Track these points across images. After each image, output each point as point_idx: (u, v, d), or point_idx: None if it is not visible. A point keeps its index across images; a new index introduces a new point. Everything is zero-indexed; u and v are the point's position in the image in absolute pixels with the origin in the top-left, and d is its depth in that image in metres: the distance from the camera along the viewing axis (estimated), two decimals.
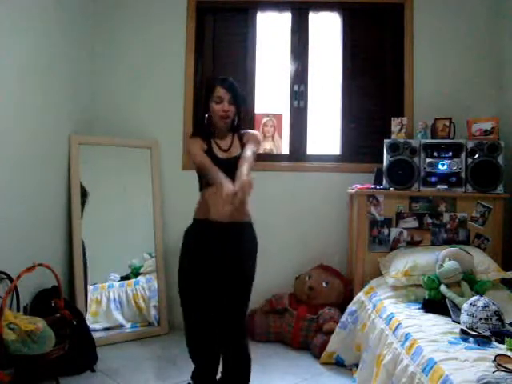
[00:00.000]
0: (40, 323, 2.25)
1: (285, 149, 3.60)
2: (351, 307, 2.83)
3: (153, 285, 3.42)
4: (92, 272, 3.22)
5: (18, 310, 2.45)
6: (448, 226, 2.98)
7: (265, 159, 3.53)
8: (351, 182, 3.27)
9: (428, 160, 3.00)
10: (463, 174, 2.97)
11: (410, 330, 2.07)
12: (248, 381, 2.23)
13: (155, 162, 3.50)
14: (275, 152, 3.61)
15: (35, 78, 2.77)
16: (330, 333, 2.89)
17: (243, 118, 2.30)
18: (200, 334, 2.20)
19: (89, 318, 3.10)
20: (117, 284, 3.34)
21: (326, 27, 3.64)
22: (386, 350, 2.16)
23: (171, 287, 3.48)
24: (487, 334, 1.94)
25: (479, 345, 1.86)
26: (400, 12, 3.49)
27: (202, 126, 2.23)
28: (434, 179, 3.00)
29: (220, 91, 2.15)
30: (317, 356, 2.93)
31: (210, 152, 2.16)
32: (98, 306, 3.24)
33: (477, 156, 2.95)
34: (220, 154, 2.18)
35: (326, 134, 3.62)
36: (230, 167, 2.06)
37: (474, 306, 2.08)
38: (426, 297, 2.44)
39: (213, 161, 2.11)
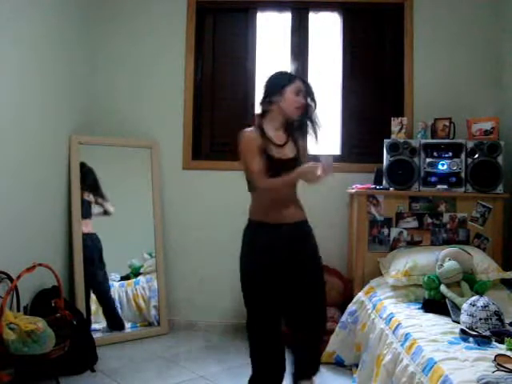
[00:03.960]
0: (40, 323, 2.25)
1: None
2: (351, 307, 2.83)
3: (153, 285, 3.42)
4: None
5: (19, 310, 2.45)
6: (448, 226, 2.98)
7: None
8: (351, 182, 3.27)
9: (428, 160, 3.00)
10: (463, 174, 2.96)
11: (410, 330, 2.07)
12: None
13: (155, 162, 3.50)
14: None
15: (35, 79, 2.77)
16: (329, 333, 2.88)
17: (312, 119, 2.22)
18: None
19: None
20: (117, 284, 3.35)
21: (326, 27, 3.64)
22: (385, 350, 2.16)
23: (171, 287, 3.49)
24: (487, 333, 1.94)
25: (479, 345, 1.86)
26: (400, 12, 3.49)
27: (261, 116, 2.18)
28: (433, 179, 3.00)
29: (299, 84, 2.15)
30: None
31: (265, 151, 2.09)
32: (98, 306, 3.24)
33: (477, 156, 2.95)
34: (276, 153, 2.10)
35: (326, 134, 3.61)
36: (284, 169, 2.05)
37: (473, 305, 2.08)
38: (426, 297, 2.44)
39: (268, 163, 2.07)
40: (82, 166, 3.25)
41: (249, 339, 2.20)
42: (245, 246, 2.17)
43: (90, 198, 3.27)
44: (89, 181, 3.27)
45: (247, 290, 2.16)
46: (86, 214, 3.24)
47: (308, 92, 2.17)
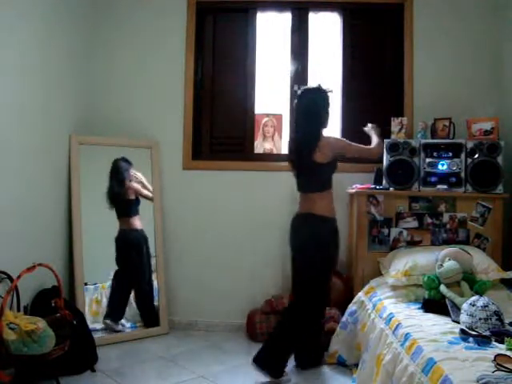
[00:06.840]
0: (40, 323, 2.25)
1: (285, 149, 3.60)
2: (351, 307, 2.83)
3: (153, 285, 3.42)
4: (92, 272, 3.21)
5: (19, 310, 2.45)
6: (448, 226, 2.98)
7: (265, 159, 3.55)
8: (351, 182, 3.28)
9: (428, 160, 3.01)
10: (463, 174, 2.97)
11: (410, 330, 2.07)
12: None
13: (155, 162, 3.50)
14: (275, 152, 3.61)
15: (35, 79, 2.77)
16: (330, 333, 2.88)
17: None
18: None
19: (89, 318, 3.10)
20: None
21: (326, 27, 3.65)
22: (385, 350, 2.16)
23: (171, 287, 3.49)
24: (487, 333, 1.94)
25: (479, 345, 1.86)
26: (400, 12, 3.50)
27: None
28: (433, 179, 3.00)
29: None
30: None
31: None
32: (97, 306, 3.24)
33: (476, 156, 2.95)
34: None
35: (325, 134, 3.61)
36: None
37: (473, 305, 2.09)
38: (426, 297, 2.44)
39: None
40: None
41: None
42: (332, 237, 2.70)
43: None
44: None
45: (327, 266, 2.70)
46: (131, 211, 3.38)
47: None
